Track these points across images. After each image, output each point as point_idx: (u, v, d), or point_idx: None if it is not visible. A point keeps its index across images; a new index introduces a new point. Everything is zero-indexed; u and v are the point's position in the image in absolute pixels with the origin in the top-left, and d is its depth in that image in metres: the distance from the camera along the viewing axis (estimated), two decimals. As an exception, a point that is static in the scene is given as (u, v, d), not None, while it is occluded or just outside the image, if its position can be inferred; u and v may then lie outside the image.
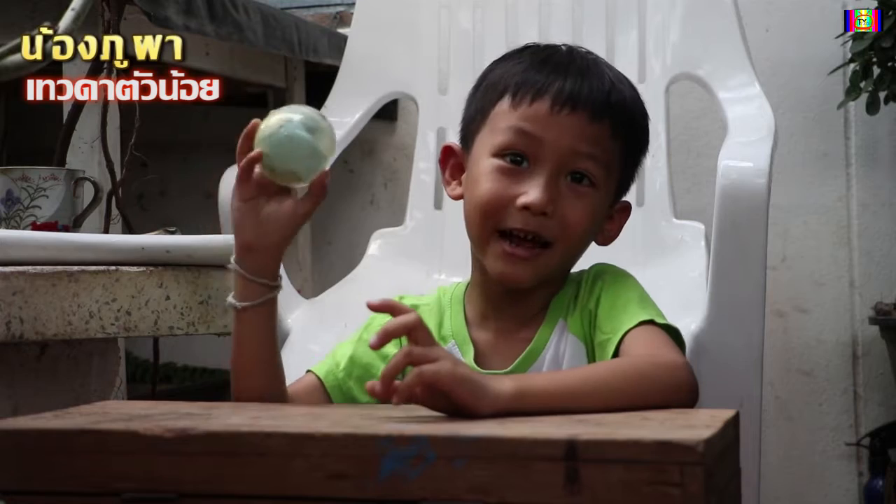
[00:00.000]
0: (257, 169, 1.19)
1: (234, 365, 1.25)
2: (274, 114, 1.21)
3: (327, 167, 1.21)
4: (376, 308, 1.11)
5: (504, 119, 1.28)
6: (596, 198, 1.29)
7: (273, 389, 1.25)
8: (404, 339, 1.09)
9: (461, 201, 1.33)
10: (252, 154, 1.18)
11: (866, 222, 2.40)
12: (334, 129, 1.22)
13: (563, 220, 1.26)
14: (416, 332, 1.07)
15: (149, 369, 2.32)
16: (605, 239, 1.36)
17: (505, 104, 1.28)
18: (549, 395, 1.09)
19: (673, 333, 1.25)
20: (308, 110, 1.21)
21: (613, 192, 1.32)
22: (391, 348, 1.17)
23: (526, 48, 1.34)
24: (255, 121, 1.20)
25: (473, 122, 1.33)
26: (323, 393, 1.30)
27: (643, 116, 1.34)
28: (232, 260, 1.22)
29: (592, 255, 1.40)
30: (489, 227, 1.27)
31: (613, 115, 1.28)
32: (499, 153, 1.27)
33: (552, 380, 1.12)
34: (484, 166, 1.28)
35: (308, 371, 1.33)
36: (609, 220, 1.35)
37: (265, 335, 1.24)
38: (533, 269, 1.27)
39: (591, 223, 1.29)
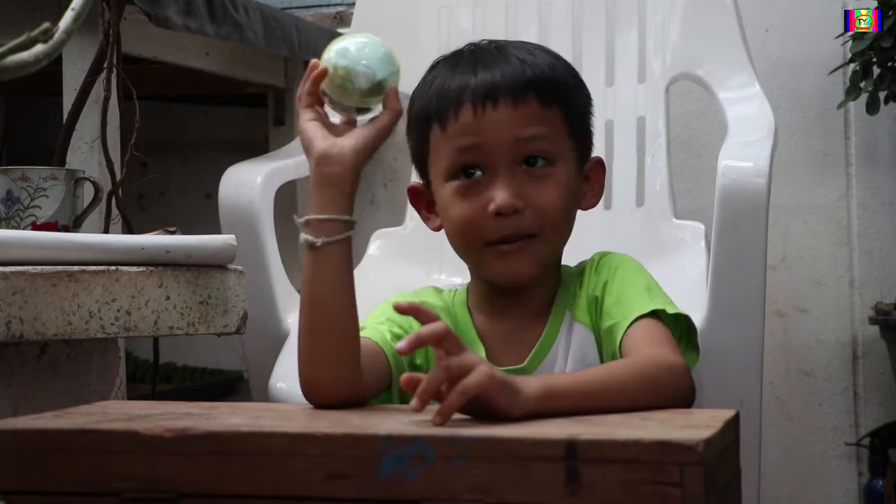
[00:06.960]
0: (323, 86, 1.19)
1: (311, 319, 1.16)
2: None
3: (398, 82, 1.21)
4: (403, 311, 1.11)
5: (442, 143, 1.30)
6: (559, 172, 1.29)
7: (354, 348, 1.16)
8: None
9: None
10: (317, 70, 1.19)
11: (866, 222, 2.39)
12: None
13: (537, 208, 1.27)
14: (446, 342, 1.05)
15: (149, 369, 2.32)
16: (589, 202, 1.35)
17: (437, 130, 1.30)
18: (573, 396, 1.09)
19: (683, 322, 1.27)
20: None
21: (574, 155, 1.32)
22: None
23: (434, 66, 1.36)
24: (314, 61, 1.20)
25: (419, 156, 1.35)
26: (383, 356, 1.24)
27: (568, 72, 1.33)
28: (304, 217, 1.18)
29: (594, 249, 1.39)
30: (475, 244, 1.29)
31: (536, 89, 1.28)
32: (451, 176, 1.29)
33: (575, 381, 1.13)
34: (445, 193, 1.30)
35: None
36: (586, 181, 1.35)
37: (347, 275, 1.16)
38: (530, 260, 1.28)
39: (566, 198, 1.29)
